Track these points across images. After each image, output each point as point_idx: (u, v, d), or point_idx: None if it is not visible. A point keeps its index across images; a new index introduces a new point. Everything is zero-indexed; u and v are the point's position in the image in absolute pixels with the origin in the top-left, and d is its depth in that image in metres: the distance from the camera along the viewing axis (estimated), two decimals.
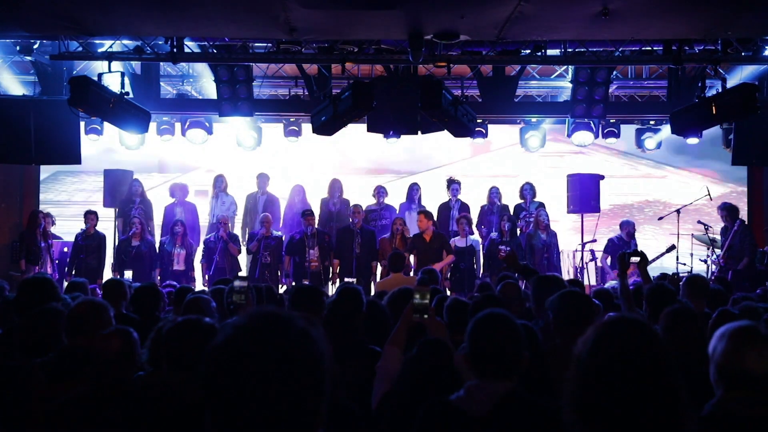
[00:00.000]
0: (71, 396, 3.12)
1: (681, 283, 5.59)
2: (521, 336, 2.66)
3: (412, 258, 10.18)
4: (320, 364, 1.43)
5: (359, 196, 11.97)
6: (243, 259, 11.37)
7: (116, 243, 11.26)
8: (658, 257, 10.75)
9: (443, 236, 10.49)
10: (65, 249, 11.47)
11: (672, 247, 10.85)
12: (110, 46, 9.97)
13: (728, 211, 10.94)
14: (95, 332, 3.63)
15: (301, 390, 1.40)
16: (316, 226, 10.89)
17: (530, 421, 2.52)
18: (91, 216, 11.05)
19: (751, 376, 2.43)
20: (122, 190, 11.81)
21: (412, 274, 9.59)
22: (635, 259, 5.28)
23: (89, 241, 10.95)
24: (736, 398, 2.44)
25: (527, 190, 11.81)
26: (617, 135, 12.59)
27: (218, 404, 1.39)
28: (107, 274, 10.96)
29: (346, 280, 9.88)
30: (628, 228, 11.39)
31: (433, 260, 9.82)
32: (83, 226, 11.06)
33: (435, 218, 11.12)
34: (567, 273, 11.58)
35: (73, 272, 10.72)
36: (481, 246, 11.01)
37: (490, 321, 2.68)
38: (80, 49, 9.99)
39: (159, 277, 10.83)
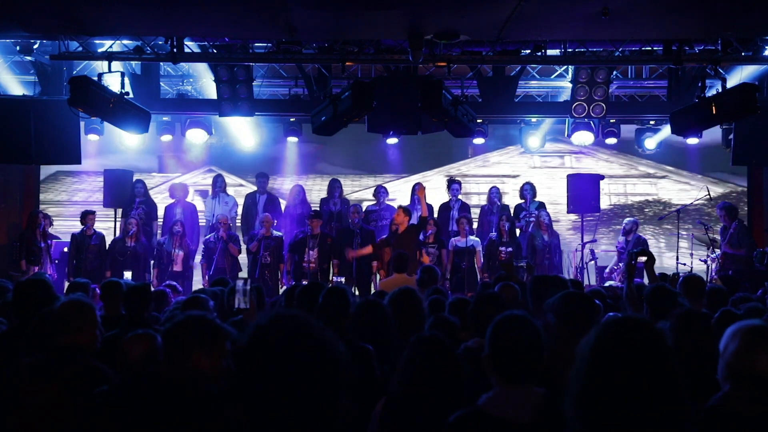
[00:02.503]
0: (94, 393, 3.17)
1: (678, 284, 5.57)
2: (543, 338, 2.64)
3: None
4: (338, 362, 1.52)
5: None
6: (243, 259, 11.37)
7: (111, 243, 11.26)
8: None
9: (418, 229, 10.38)
10: (65, 249, 11.46)
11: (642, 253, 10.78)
12: (110, 46, 9.96)
13: (727, 211, 10.93)
14: (79, 331, 3.64)
15: (323, 386, 1.49)
16: (319, 228, 10.84)
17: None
18: (90, 216, 11.04)
19: (761, 376, 2.42)
20: (124, 191, 11.79)
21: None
22: (642, 258, 5.26)
23: (91, 241, 10.94)
24: (743, 396, 2.42)
25: (527, 190, 11.80)
26: (617, 135, 12.59)
27: (248, 401, 1.49)
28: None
29: (335, 279, 9.86)
30: (624, 226, 11.38)
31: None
32: (82, 226, 11.05)
33: (435, 217, 11.15)
34: (567, 273, 11.58)
35: (74, 272, 10.70)
36: (480, 246, 11.01)
37: (513, 323, 2.63)
38: (80, 49, 9.98)
39: (156, 278, 10.82)
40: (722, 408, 2.45)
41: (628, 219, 11.67)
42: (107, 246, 11.10)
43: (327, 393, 1.48)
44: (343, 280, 9.28)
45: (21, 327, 4.23)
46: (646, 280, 6.42)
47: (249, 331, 1.53)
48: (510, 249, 10.61)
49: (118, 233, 11.40)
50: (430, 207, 11.16)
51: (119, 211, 11.77)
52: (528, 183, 11.93)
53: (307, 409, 1.47)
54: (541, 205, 11.63)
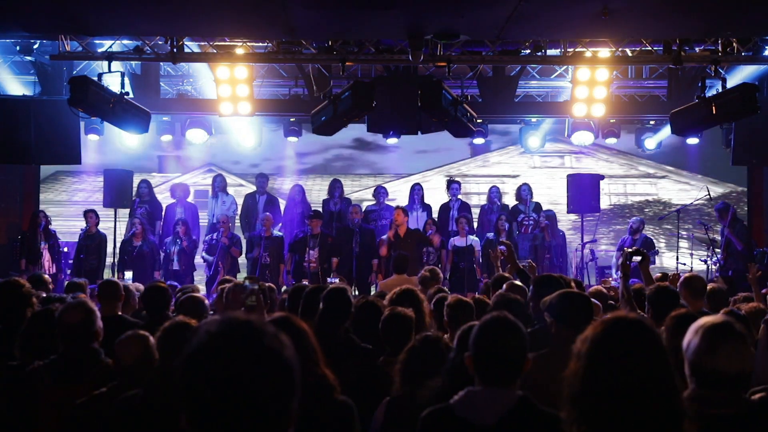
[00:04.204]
0: (90, 396, 3.16)
1: (678, 284, 5.55)
2: (527, 342, 2.64)
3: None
4: (291, 367, 1.47)
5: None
6: (243, 259, 11.37)
7: (116, 243, 11.26)
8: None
9: (419, 232, 10.44)
10: (65, 249, 11.47)
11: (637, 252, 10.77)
12: (110, 46, 9.96)
13: (721, 212, 10.94)
14: (94, 333, 3.63)
15: (274, 392, 1.44)
16: (319, 228, 10.84)
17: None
18: (90, 214, 11.05)
19: (722, 374, 2.39)
20: (124, 191, 11.79)
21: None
22: (637, 258, 5.24)
23: (90, 240, 10.95)
24: (706, 396, 2.39)
25: (525, 191, 11.78)
26: (617, 135, 12.59)
27: (193, 407, 1.43)
28: (107, 274, 10.95)
29: (329, 280, 9.86)
30: (630, 225, 11.37)
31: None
32: (84, 225, 11.07)
33: (436, 218, 11.17)
34: (567, 273, 11.56)
35: (73, 272, 10.71)
36: (480, 246, 11.00)
37: (497, 326, 2.63)
38: (80, 49, 9.98)
39: (162, 278, 10.82)
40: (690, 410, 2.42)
41: (634, 218, 11.65)
42: (115, 246, 11.12)
43: (273, 405, 1.43)
44: (337, 280, 9.27)
45: (3, 331, 4.17)
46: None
47: (196, 337, 1.46)
48: (503, 248, 10.56)
49: (118, 233, 11.41)
50: (429, 207, 11.23)
51: (119, 211, 11.77)
52: (525, 184, 11.89)
53: (250, 422, 1.42)
54: (538, 206, 11.62)
